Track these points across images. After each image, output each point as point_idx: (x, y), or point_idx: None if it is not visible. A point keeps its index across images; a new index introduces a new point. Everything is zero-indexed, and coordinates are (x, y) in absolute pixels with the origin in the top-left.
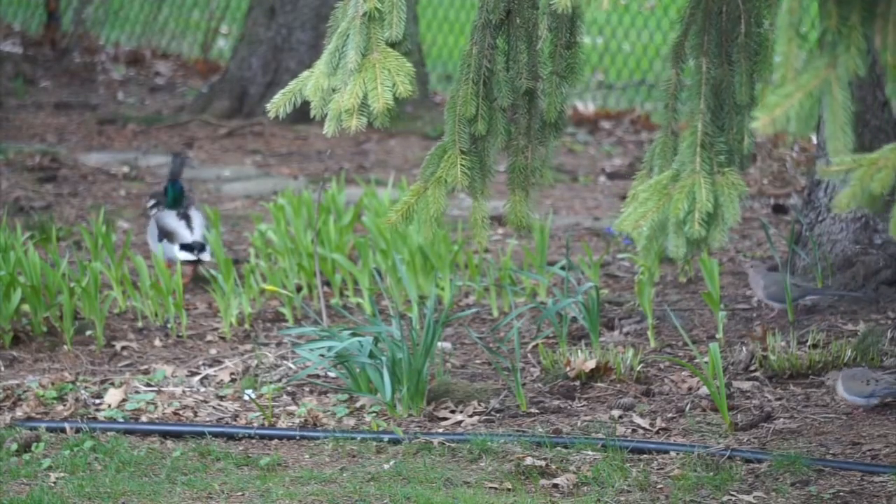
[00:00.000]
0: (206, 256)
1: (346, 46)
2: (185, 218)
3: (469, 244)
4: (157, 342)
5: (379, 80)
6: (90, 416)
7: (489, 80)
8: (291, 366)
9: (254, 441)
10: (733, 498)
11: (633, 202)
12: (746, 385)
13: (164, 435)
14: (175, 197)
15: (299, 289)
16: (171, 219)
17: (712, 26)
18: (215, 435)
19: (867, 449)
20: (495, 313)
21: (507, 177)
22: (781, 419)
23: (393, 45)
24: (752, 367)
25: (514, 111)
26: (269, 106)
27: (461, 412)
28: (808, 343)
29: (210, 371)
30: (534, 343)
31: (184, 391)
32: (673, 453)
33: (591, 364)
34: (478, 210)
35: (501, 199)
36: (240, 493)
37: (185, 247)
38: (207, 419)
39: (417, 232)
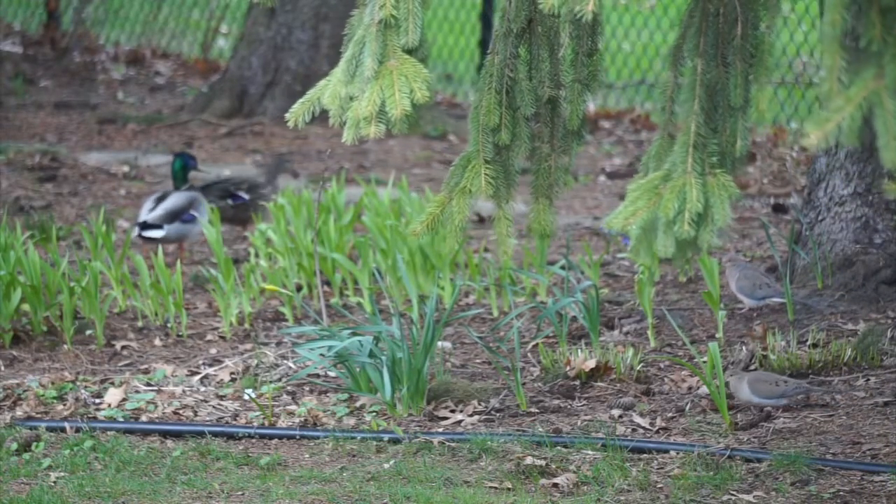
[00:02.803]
0: (152, 234)
1: (362, 54)
2: (161, 199)
3: (469, 243)
4: (157, 342)
5: (396, 87)
6: (90, 415)
7: (512, 89)
8: (291, 365)
9: (254, 440)
10: (733, 497)
11: (625, 201)
12: None
13: (164, 434)
14: (178, 170)
15: (299, 288)
16: (147, 201)
17: (709, 28)
18: (215, 434)
19: (867, 448)
20: (495, 313)
21: (531, 185)
22: (781, 419)
23: (409, 51)
24: (752, 367)
25: (537, 120)
26: (287, 115)
27: (461, 412)
28: (808, 342)
29: (210, 370)
30: (534, 342)
31: (184, 391)
32: (673, 453)
33: (591, 363)
34: (503, 218)
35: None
36: (240, 493)
37: (140, 225)
38: (207, 419)
39: (426, 238)
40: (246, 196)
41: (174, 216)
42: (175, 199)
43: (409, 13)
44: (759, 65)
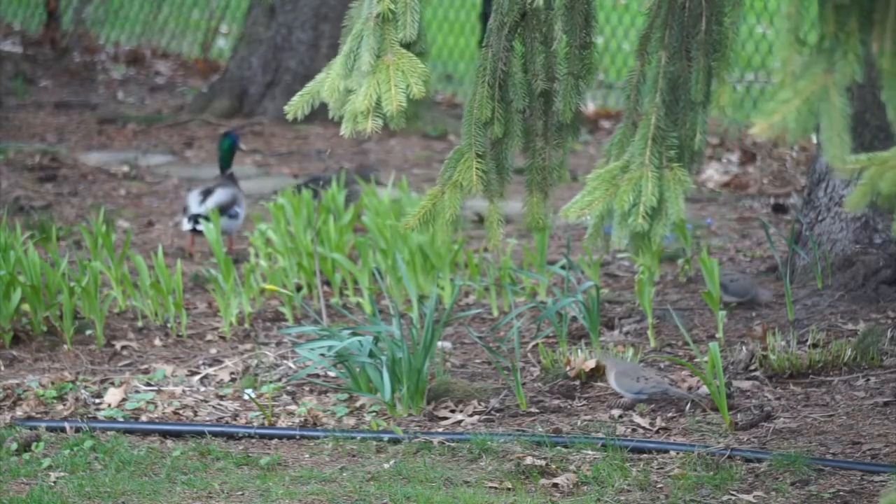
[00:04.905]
0: (199, 227)
1: (360, 48)
2: (206, 194)
3: (469, 243)
4: (157, 341)
5: (392, 82)
6: (90, 415)
7: (505, 82)
8: (291, 365)
9: (254, 440)
10: (733, 497)
11: (583, 190)
12: (746, 384)
13: (164, 434)
14: (227, 150)
15: (299, 288)
16: (192, 195)
17: (675, 21)
18: (215, 434)
19: (867, 448)
20: (495, 313)
21: (525, 178)
22: (781, 419)
23: (407, 45)
24: (752, 367)
25: (531, 113)
26: (286, 108)
27: (461, 412)
28: (808, 342)
29: (210, 370)
30: (534, 342)
31: (184, 391)
32: (673, 453)
33: (591, 363)
34: (493, 212)
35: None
36: (240, 493)
37: (192, 218)
38: (207, 419)
39: (419, 231)
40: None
41: (222, 211)
42: (222, 195)
43: (406, 7)
44: (721, 60)
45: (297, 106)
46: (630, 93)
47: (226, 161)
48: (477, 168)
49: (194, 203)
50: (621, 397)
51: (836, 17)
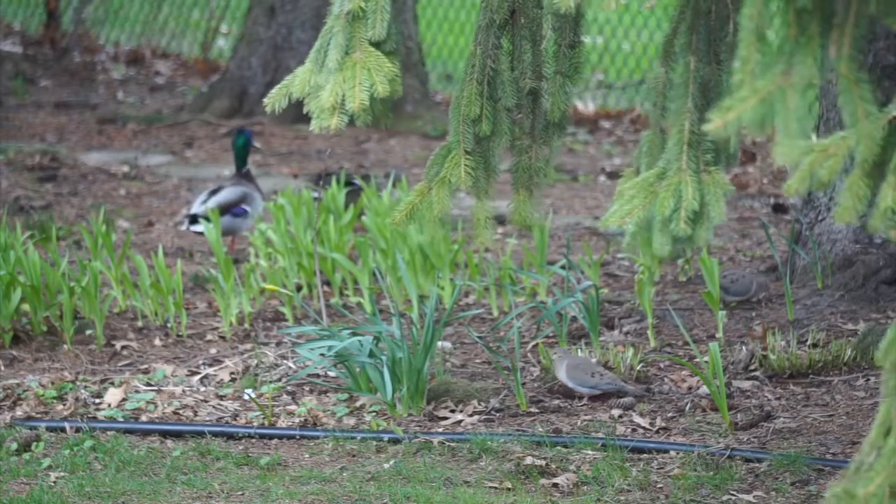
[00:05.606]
0: (198, 228)
1: (329, 45)
2: (213, 193)
3: (469, 243)
4: (157, 341)
5: (357, 80)
6: (90, 415)
7: (493, 80)
8: (291, 365)
9: (254, 440)
10: (733, 497)
11: (620, 199)
12: (746, 384)
13: (164, 434)
14: (241, 147)
15: (299, 288)
16: (200, 194)
17: (701, 25)
18: (215, 434)
19: None
20: (495, 313)
21: (511, 176)
22: (781, 419)
23: (377, 44)
24: (752, 367)
25: (518, 111)
26: (265, 100)
27: (461, 411)
28: (808, 342)
29: (210, 370)
30: (534, 342)
31: (184, 390)
32: (673, 453)
33: None
34: (480, 210)
35: (502, 198)
36: (240, 493)
37: (188, 217)
38: (207, 419)
39: (418, 231)
40: (358, 183)
41: (224, 210)
42: (227, 193)
43: (377, 6)
44: None
45: (275, 98)
46: (656, 99)
47: (241, 159)
48: (465, 164)
49: (197, 202)
50: (576, 393)
51: (797, 20)
